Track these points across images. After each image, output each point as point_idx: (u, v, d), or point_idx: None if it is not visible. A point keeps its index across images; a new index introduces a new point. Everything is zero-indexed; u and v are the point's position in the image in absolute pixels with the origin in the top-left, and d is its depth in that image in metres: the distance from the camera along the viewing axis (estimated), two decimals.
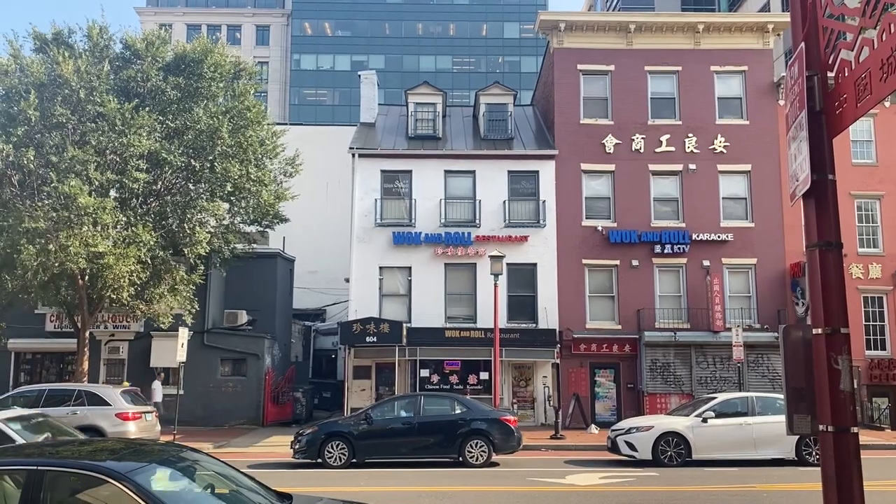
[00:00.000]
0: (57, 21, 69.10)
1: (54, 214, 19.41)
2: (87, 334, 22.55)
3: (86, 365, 22.49)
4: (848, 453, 3.36)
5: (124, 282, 19.98)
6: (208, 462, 6.23)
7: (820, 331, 3.48)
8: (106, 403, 18.02)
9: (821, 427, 3.43)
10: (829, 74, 3.64)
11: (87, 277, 20.99)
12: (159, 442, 14.62)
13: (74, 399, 18.13)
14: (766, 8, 42.08)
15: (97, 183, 20.18)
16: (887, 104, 26.87)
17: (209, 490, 5.76)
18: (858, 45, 3.30)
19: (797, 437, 15.44)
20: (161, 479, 5.47)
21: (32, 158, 19.73)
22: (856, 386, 24.92)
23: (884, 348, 26.17)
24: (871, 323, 26.30)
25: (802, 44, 3.66)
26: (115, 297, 20.76)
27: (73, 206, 19.04)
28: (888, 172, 26.99)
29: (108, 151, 20.68)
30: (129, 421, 17.84)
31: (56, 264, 19.13)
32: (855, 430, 3.40)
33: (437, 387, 24.98)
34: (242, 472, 6.29)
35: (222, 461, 6.44)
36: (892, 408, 25.25)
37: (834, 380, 3.39)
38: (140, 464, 5.43)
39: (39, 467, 5.18)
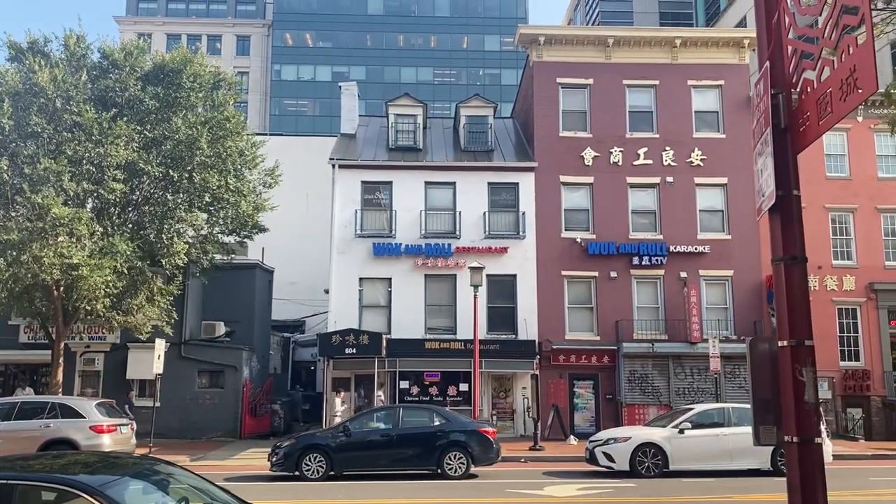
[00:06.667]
0: (32, 30, 68.60)
1: (28, 225, 19.18)
2: (61, 346, 22.24)
3: (60, 377, 22.17)
4: (812, 463, 3.42)
5: (100, 293, 19.74)
6: (183, 475, 6.17)
7: (785, 343, 3.54)
8: (80, 416, 17.74)
9: (786, 438, 3.49)
10: (795, 91, 3.73)
11: (62, 288, 20.73)
12: (134, 455, 14.45)
13: (48, 412, 17.84)
14: (742, 23, 42.74)
15: (72, 193, 19.99)
16: (860, 119, 27.37)
17: (183, 503, 5.71)
18: (820, 64, 3.39)
19: (772, 447, 15.58)
20: (134, 493, 5.41)
21: (6, 168, 19.51)
22: (831, 396, 25.34)
23: (857, 359, 26.52)
24: (846, 334, 26.66)
25: (767, 62, 3.76)
26: (90, 308, 20.50)
27: (46, 217, 18.82)
28: (861, 186, 27.46)
29: (84, 161, 20.50)
30: (104, 434, 17.57)
31: (29, 276, 18.89)
32: (819, 440, 3.46)
33: (417, 398, 24.93)
34: (218, 486, 6.24)
35: (197, 474, 6.39)
36: (865, 418, 25.59)
37: (799, 391, 3.45)
38: (113, 477, 5.36)
39: (9, 481, 5.10)
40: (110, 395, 23.06)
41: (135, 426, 21.36)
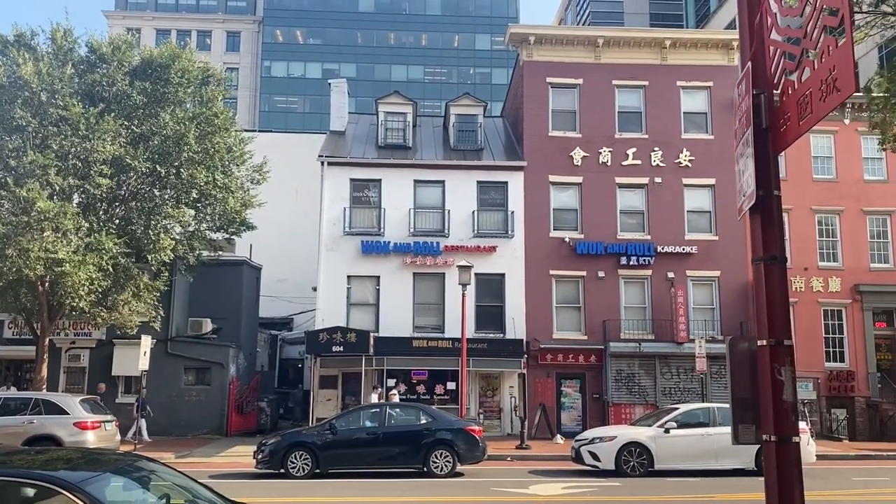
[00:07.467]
0: (19, 23, 67.99)
1: (13, 219, 19.02)
2: (46, 341, 22.08)
3: (45, 373, 22.00)
4: (789, 462, 3.44)
5: (84, 290, 19.58)
6: (165, 472, 6.13)
7: (764, 342, 3.56)
8: (64, 412, 17.62)
9: (764, 436, 3.51)
10: (776, 92, 3.75)
11: (46, 284, 20.56)
12: (117, 451, 14.40)
13: (31, 408, 17.71)
14: (732, 25, 42.94)
15: (58, 188, 19.83)
16: (847, 121, 27.57)
17: (164, 501, 5.67)
18: (801, 65, 3.41)
19: (757, 447, 15.65)
20: (115, 490, 5.37)
21: None
22: (815, 397, 25.52)
23: (842, 360, 26.72)
24: (831, 335, 26.85)
25: (749, 63, 3.78)
26: (74, 304, 20.35)
27: (31, 211, 18.67)
28: (848, 188, 27.67)
29: (70, 156, 20.33)
30: (88, 430, 17.46)
31: (13, 270, 18.73)
32: (796, 439, 3.48)
33: (404, 396, 24.90)
34: (201, 483, 6.20)
35: (180, 471, 6.35)
36: (849, 419, 25.78)
37: (777, 390, 3.47)
38: (93, 473, 5.32)
39: None
40: (95, 391, 22.92)
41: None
